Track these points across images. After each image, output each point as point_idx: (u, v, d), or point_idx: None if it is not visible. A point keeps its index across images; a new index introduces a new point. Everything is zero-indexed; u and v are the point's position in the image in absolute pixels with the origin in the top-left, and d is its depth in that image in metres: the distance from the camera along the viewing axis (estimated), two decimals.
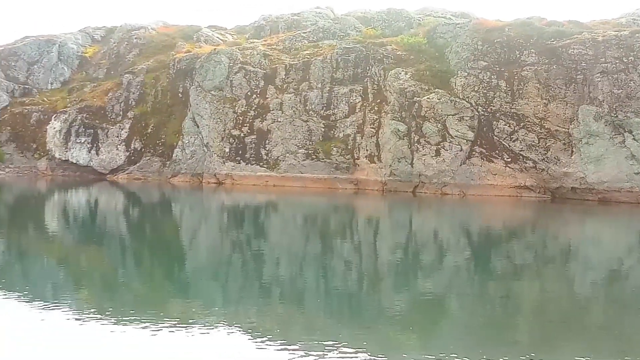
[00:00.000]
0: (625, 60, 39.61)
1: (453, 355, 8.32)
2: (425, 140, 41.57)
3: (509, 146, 40.81)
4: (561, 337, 9.92)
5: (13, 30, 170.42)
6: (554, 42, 41.95)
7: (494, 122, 41.38)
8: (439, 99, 41.84)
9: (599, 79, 39.62)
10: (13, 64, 59.79)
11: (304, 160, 45.14)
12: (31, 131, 54.84)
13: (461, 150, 40.99)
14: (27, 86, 58.75)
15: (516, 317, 11.52)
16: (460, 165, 40.98)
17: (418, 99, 42.21)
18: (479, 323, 10.83)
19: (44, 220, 26.70)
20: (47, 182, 47.61)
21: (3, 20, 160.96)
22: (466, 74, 42.83)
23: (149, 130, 51.38)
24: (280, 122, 46.30)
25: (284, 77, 47.92)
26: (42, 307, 10.60)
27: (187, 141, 48.84)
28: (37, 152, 54.34)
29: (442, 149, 41.22)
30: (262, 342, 8.73)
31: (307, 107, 46.25)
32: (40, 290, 12.50)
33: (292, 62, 48.39)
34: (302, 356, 8.11)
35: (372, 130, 43.97)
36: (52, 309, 10.50)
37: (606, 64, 39.71)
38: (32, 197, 37.93)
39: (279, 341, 8.79)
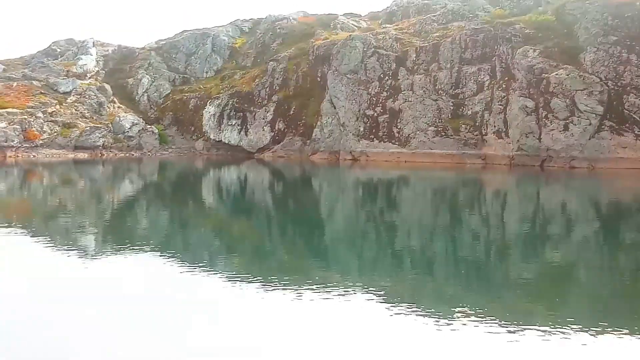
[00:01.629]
0: None
1: (579, 324, 7.92)
2: (553, 116, 39.65)
3: None
4: None
5: (173, 25, 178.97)
6: None
7: (624, 95, 38.82)
8: (567, 75, 39.76)
9: None
10: (174, 55, 62.70)
11: (433, 137, 44.39)
12: (190, 115, 57.27)
13: (590, 124, 38.75)
14: (185, 75, 61.47)
15: None
16: (589, 139, 38.75)
17: (546, 75, 40.32)
18: (606, 294, 10.14)
19: (203, 194, 27.60)
20: (203, 161, 49.16)
21: (165, 16, 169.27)
22: (595, 49, 40.38)
23: (291, 112, 52.25)
24: (411, 101, 45.74)
25: (414, 59, 47.25)
26: (201, 270, 10.89)
27: (325, 121, 49.25)
28: (194, 134, 56.74)
29: (571, 124, 39.14)
30: (393, 307, 8.53)
31: (437, 87, 45.42)
32: (199, 255, 12.74)
33: (422, 45, 47.58)
34: (432, 322, 7.88)
35: (500, 107, 42.48)
36: (209, 273, 10.75)
37: None
38: (191, 174, 39.22)
39: (410, 307, 8.57)
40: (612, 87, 39.20)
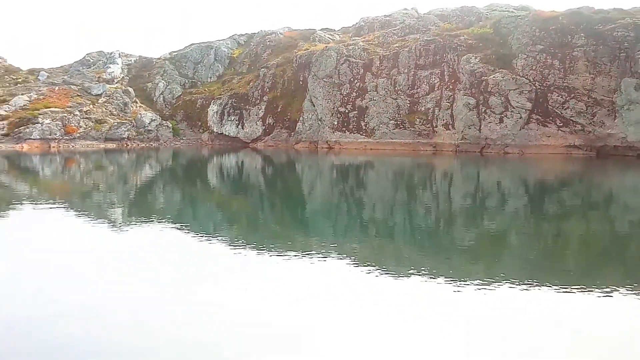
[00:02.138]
0: None
1: (513, 279, 7.84)
2: (490, 111, 38.97)
3: (561, 113, 37.52)
4: (602, 266, 9.25)
5: (183, 39, 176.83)
6: (600, 27, 37.79)
7: (549, 94, 38.20)
8: (502, 77, 39.05)
9: (639, 56, 35.02)
10: (184, 64, 61.30)
11: (394, 129, 43.45)
12: (197, 113, 56.02)
13: (521, 117, 38.05)
14: (193, 80, 60.11)
15: (565, 250, 10.49)
16: (520, 130, 38.15)
17: (485, 77, 39.72)
18: (534, 255, 9.98)
19: (208, 176, 27.14)
20: (208, 149, 48.48)
21: (176, 31, 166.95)
22: (525, 56, 39.71)
23: (279, 110, 51.21)
24: (375, 100, 44.73)
25: (378, 65, 46.14)
26: (206, 238, 10.87)
27: (306, 117, 48.25)
28: (201, 127, 55.52)
29: (505, 117, 38.45)
30: (362, 267, 8.55)
31: (396, 88, 44.40)
32: (204, 226, 12.77)
33: (385, 54, 46.52)
34: (392, 279, 7.88)
35: (448, 104, 41.64)
36: (213, 241, 10.67)
37: None
38: (198, 160, 38.65)
39: (375, 267, 8.54)
40: (539, 87, 38.54)
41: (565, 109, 37.30)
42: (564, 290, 7.39)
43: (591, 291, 7.30)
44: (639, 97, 34.92)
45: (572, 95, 37.27)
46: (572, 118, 37.00)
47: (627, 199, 18.78)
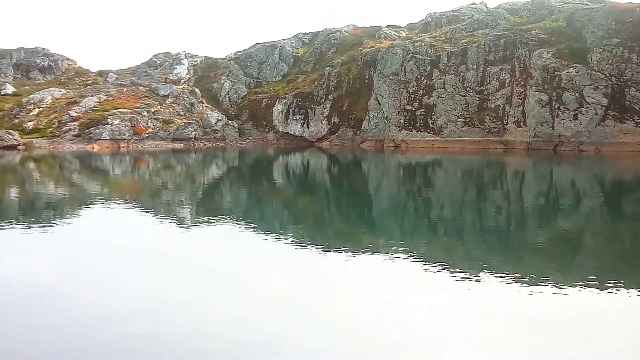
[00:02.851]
0: None
1: (585, 281, 7.76)
2: (564, 107, 38.61)
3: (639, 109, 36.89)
4: None
5: (248, 39, 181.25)
6: None
7: (626, 89, 37.49)
8: (576, 72, 38.61)
9: None
10: (249, 64, 63.25)
11: (462, 127, 43.71)
12: (262, 112, 57.69)
13: (596, 114, 37.60)
14: (258, 79, 61.91)
15: None
16: (595, 127, 37.62)
17: (558, 73, 39.27)
18: (611, 257, 9.88)
19: (274, 175, 27.85)
20: (274, 149, 49.61)
21: (241, 31, 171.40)
22: (601, 50, 39.06)
23: (344, 108, 52.21)
24: (443, 97, 45.10)
25: (446, 62, 46.44)
26: (273, 236, 11.04)
27: (372, 115, 49.09)
28: (266, 127, 57.12)
29: (580, 114, 38.05)
30: (430, 267, 8.50)
31: (465, 85, 44.66)
32: (272, 224, 13.08)
33: (453, 50, 46.72)
34: (462, 279, 7.81)
35: (519, 100, 41.53)
36: (280, 239, 10.83)
37: None
38: (264, 159, 39.64)
39: (444, 267, 8.49)
40: (615, 82, 37.88)
41: None
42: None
43: None
44: None
45: None
46: None
47: None
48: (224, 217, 13.91)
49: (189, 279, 7.96)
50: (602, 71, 38.39)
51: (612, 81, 37.89)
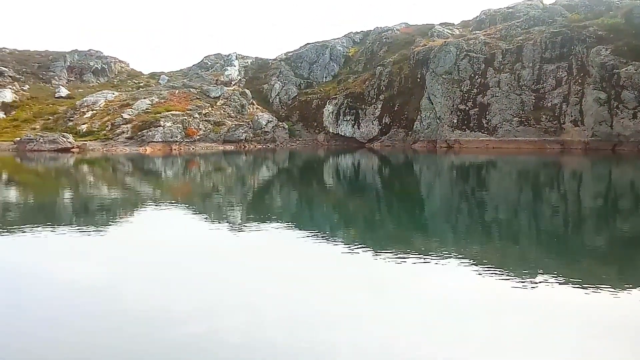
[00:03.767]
0: None
1: None
2: (623, 106, 38.60)
3: None
4: None
5: (298, 39, 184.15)
6: None
7: None
8: (636, 70, 38.48)
9: None
10: (299, 64, 64.84)
11: (517, 126, 44.08)
12: (312, 113, 59.11)
13: None
14: (309, 80, 63.45)
15: None
16: None
17: (617, 71, 39.22)
18: None
19: (324, 177, 28.07)
20: (324, 150, 50.35)
21: (292, 31, 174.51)
22: None
23: (396, 108, 53.02)
24: (497, 96, 45.52)
25: (500, 59, 46.84)
26: (323, 239, 11.27)
27: (424, 115, 49.75)
28: (317, 128, 58.53)
29: (639, 112, 38.43)
30: (483, 271, 8.46)
31: (520, 83, 44.96)
32: (323, 227, 13.16)
33: (508, 47, 47.03)
34: (517, 283, 7.77)
35: (576, 99, 41.66)
36: (330, 242, 10.95)
37: None
38: (315, 161, 40.32)
39: (497, 270, 8.43)
40: None
41: None
42: None
43: None
44: None
45: None
46: None
47: None
48: (274, 219, 13.96)
49: (241, 281, 8.09)
50: None
51: None
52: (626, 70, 39.11)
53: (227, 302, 7.18)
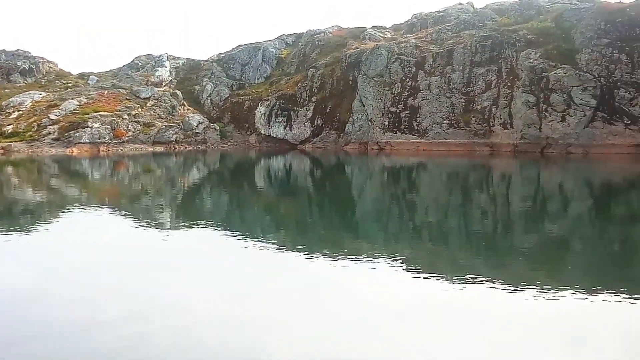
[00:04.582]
0: None
1: (573, 286, 7.63)
2: (552, 109, 38.43)
3: (629, 110, 36.55)
4: None
5: (230, 40, 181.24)
6: None
7: (615, 90, 37.27)
8: (565, 73, 38.49)
9: None
10: (231, 65, 62.92)
11: (448, 129, 43.26)
12: (244, 115, 57.25)
13: (584, 115, 37.34)
14: (241, 82, 61.55)
15: (631, 256, 10.13)
16: (584, 129, 37.44)
17: (546, 74, 39.14)
18: (599, 261, 9.65)
19: (256, 178, 27.44)
20: (256, 152, 49.17)
21: (224, 33, 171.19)
22: (590, 50, 38.94)
23: (328, 111, 51.75)
24: (428, 99, 44.67)
25: (431, 63, 46.06)
26: (254, 241, 10.77)
27: (355, 117, 48.53)
28: (248, 129, 56.72)
29: (567, 115, 37.82)
30: (414, 272, 8.42)
31: (450, 86, 44.27)
32: (253, 229, 12.75)
33: (438, 51, 46.40)
34: (447, 285, 7.74)
35: (506, 102, 41.22)
36: (260, 244, 10.57)
37: None
38: (246, 162, 39.18)
39: (428, 273, 8.37)
40: (604, 83, 37.73)
41: (633, 106, 36.30)
42: (630, 298, 7.18)
43: None
44: None
45: None
46: None
47: None
48: (204, 222, 13.66)
49: (172, 284, 7.85)
50: (590, 72, 38.17)
51: (601, 82, 37.65)
52: (555, 73, 39.11)
53: (157, 305, 6.95)
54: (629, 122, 36.28)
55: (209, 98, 59.83)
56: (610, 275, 8.51)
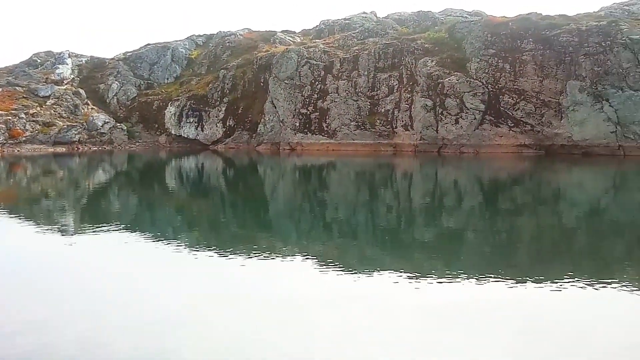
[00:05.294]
0: (603, 45, 38.41)
1: (469, 274, 8.28)
2: (447, 112, 41.03)
3: (512, 114, 39.99)
4: (551, 259, 9.74)
5: (138, 39, 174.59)
6: (547, 32, 40.74)
7: (500, 96, 40.54)
8: (457, 80, 41.15)
9: (582, 60, 38.58)
10: (139, 65, 60.72)
11: (355, 130, 44.93)
12: (153, 114, 55.70)
13: (475, 118, 40.39)
14: (149, 81, 59.61)
15: (517, 244, 11.19)
16: (474, 130, 40.36)
17: (441, 80, 41.57)
18: (489, 250, 10.61)
19: (166, 179, 26.90)
20: (166, 152, 48.18)
21: (131, 31, 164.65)
22: (479, 59, 41.93)
23: (240, 111, 51.70)
24: (336, 102, 46.09)
25: (339, 67, 47.46)
26: (163, 243, 10.52)
27: (267, 119, 49.04)
28: (158, 130, 55.27)
29: (460, 118, 40.66)
30: (325, 267, 8.60)
31: (357, 90, 45.90)
32: (164, 230, 12.45)
33: (345, 56, 47.87)
34: (357, 278, 8.08)
35: (406, 105, 43.43)
36: (173, 245, 10.36)
37: (588, 48, 38.63)
38: (156, 163, 38.38)
39: (339, 267, 8.64)
40: (491, 89, 40.82)
41: (515, 110, 39.64)
42: (517, 282, 7.86)
43: (542, 282, 7.86)
44: (583, 98, 37.63)
45: (522, 97, 39.60)
46: (522, 119, 39.37)
47: (574, 194, 20.11)
48: (111, 224, 12.99)
49: (77, 290, 7.56)
50: (479, 79, 41.21)
51: (488, 88, 40.83)
52: (449, 80, 41.59)
53: (62, 312, 6.62)
54: (512, 124, 39.96)
55: (115, 97, 57.61)
56: (497, 263, 9.35)
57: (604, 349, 5.69)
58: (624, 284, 7.90)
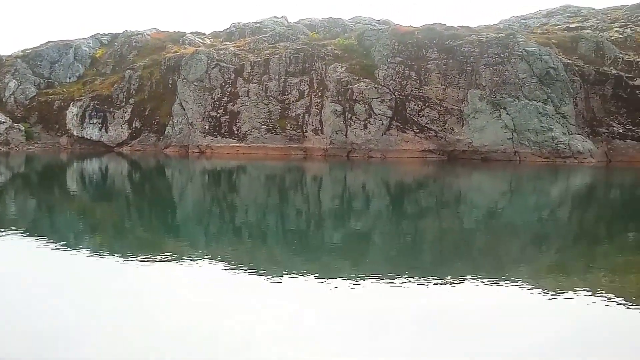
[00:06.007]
0: (502, 55, 40.12)
1: (375, 274, 8.38)
2: (356, 118, 41.37)
3: (417, 121, 40.97)
4: (453, 259, 10.11)
5: (37, 36, 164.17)
6: (450, 42, 41.99)
7: (407, 103, 41.42)
8: (366, 86, 41.60)
9: (482, 70, 40.07)
10: (39, 63, 56.76)
11: (265, 134, 44.30)
12: (54, 115, 52.34)
13: (382, 124, 40.95)
14: (50, 80, 55.91)
15: (421, 246, 11.55)
16: (382, 136, 40.97)
17: (350, 86, 41.90)
18: (395, 251, 10.83)
19: (67, 182, 25.57)
20: (67, 154, 45.71)
21: (29, 28, 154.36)
22: (386, 67, 42.65)
23: (146, 113, 49.59)
24: (247, 105, 45.23)
25: (249, 71, 46.67)
26: (66, 248, 10.27)
27: (176, 121, 47.33)
28: (59, 131, 51.97)
29: (369, 124, 41.10)
30: (235, 271, 8.63)
31: (268, 94, 45.30)
32: (65, 235, 11.93)
33: (256, 60, 47.15)
34: (265, 279, 8.07)
35: (317, 110, 43.42)
36: (74, 251, 10.07)
37: (488, 58, 40.23)
38: (56, 165, 36.33)
39: (248, 270, 8.65)
40: (398, 96, 41.64)
41: (420, 117, 40.74)
42: (421, 282, 8.08)
43: (444, 280, 8.16)
44: (482, 106, 39.38)
45: (427, 104, 40.84)
46: (426, 125, 40.54)
47: (474, 197, 21.12)
48: (5, 230, 11.96)
49: None
50: (387, 86, 41.88)
51: (395, 95, 41.55)
52: (358, 86, 42.04)
53: None
54: (418, 130, 40.88)
55: (12, 96, 53.51)
56: (403, 264, 9.51)
57: (504, 336, 6.06)
58: (517, 280, 8.27)
